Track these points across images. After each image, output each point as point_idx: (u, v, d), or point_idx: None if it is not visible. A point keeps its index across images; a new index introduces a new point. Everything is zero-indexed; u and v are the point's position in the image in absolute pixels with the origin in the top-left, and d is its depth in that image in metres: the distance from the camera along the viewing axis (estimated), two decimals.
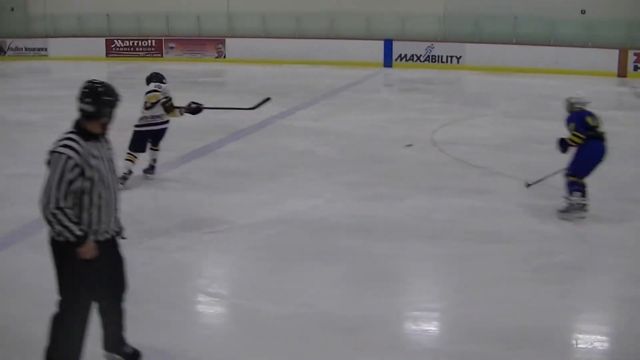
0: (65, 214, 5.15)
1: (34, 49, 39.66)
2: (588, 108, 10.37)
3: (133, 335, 6.22)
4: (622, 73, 30.76)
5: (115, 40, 38.61)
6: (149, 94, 11.83)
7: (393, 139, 16.01)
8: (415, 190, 11.64)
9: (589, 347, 6.57)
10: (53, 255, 5.38)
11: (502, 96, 24.52)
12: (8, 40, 39.96)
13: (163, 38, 38.22)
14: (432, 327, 7.13)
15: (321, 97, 23.51)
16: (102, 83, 5.53)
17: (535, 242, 9.29)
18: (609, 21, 31.62)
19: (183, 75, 30.18)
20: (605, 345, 6.76)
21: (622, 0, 31.61)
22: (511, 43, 32.72)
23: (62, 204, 5.14)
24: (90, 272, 5.36)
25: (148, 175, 12.26)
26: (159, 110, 11.89)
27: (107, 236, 5.55)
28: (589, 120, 10.12)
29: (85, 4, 39.30)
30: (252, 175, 12.53)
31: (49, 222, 5.19)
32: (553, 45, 32.08)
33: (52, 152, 5.23)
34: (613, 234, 9.68)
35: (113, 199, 5.52)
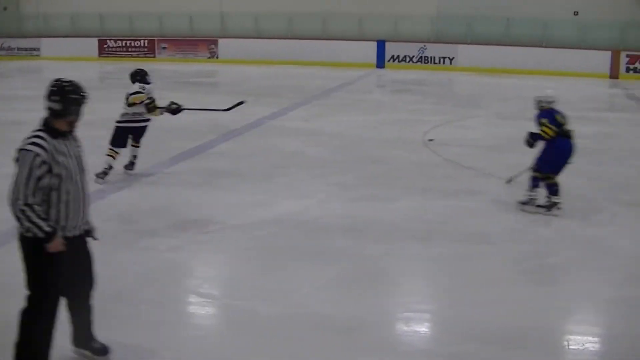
0: (34, 211, 5.23)
1: (26, 49, 39.57)
2: (555, 106, 10.64)
3: (125, 336, 6.24)
4: (614, 74, 30.89)
5: (107, 41, 38.56)
6: (133, 95, 11.94)
7: (385, 140, 16.03)
8: (408, 191, 11.65)
9: (581, 348, 6.58)
10: (22, 251, 5.46)
11: (495, 97, 24.57)
12: (0, 40, 39.86)
13: (156, 38, 38.20)
14: (424, 328, 7.13)
15: (313, 97, 23.51)
16: (69, 82, 5.61)
17: (527, 243, 9.31)
18: (601, 23, 31.72)
19: (175, 76, 30.21)
20: (597, 346, 6.77)
21: (615, 2, 31.75)
22: (504, 44, 32.79)
23: (30, 201, 5.22)
24: (58, 268, 5.44)
25: (128, 171, 12.45)
26: (140, 107, 12.04)
27: (76, 233, 5.61)
28: (558, 117, 10.43)
29: (78, 4, 39.23)
30: (244, 176, 12.52)
31: (18, 219, 5.28)
32: (545, 47, 32.14)
33: (20, 149, 5.31)
34: (605, 235, 9.70)
35: (81, 196, 5.57)
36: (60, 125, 5.44)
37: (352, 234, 9.46)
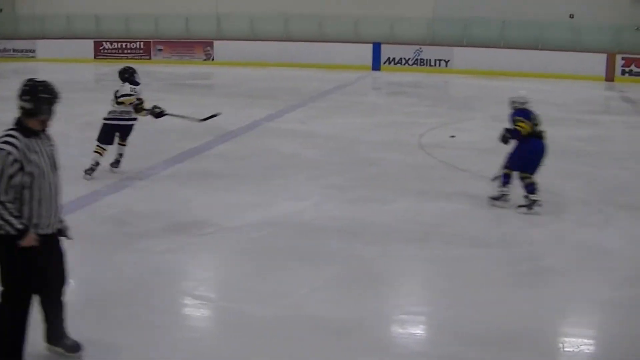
0: (6, 208, 5.31)
1: (22, 51, 39.53)
2: (528, 107, 10.92)
3: (120, 338, 6.24)
4: (609, 77, 30.95)
5: (103, 42, 38.54)
6: (123, 97, 12.11)
7: (381, 142, 16.03)
8: (403, 193, 11.65)
9: (576, 350, 6.59)
10: None
11: (490, 100, 24.57)
12: None
13: (151, 40, 38.18)
14: (419, 330, 7.13)
15: (309, 100, 23.52)
16: (41, 82, 5.73)
17: (522, 245, 9.33)
18: (597, 26, 31.79)
19: (171, 78, 30.23)
20: (591, 348, 6.78)
21: (610, 5, 31.81)
22: (499, 47, 32.84)
23: (2, 198, 5.31)
24: (31, 265, 5.51)
25: (113, 168, 12.60)
26: (128, 107, 12.22)
27: (49, 231, 5.67)
28: (531, 117, 10.71)
29: (73, 6, 39.20)
30: (240, 178, 12.53)
31: None
32: (541, 50, 32.18)
33: None
34: (600, 237, 9.72)
35: (54, 194, 5.66)
36: (33, 124, 5.54)
37: (348, 235, 9.47)
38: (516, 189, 10.83)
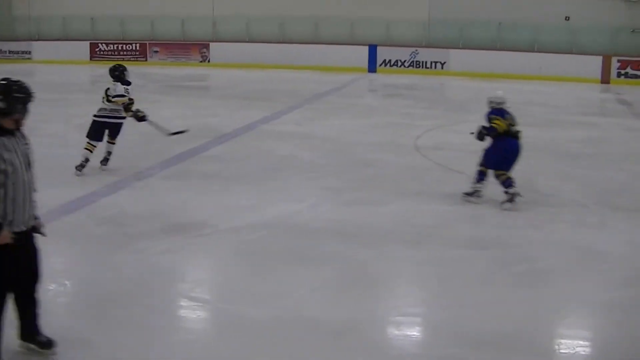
0: None
1: (18, 52, 39.47)
2: (505, 107, 11.27)
3: (115, 339, 6.24)
4: (605, 79, 30.95)
5: (99, 44, 38.48)
6: (116, 98, 12.35)
7: (377, 144, 16.04)
8: (399, 195, 11.66)
9: (571, 351, 6.61)
10: None
11: (486, 102, 24.53)
12: None
13: (147, 42, 38.12)
14: (415, 332, 7.14)
15: (305, 101, 23.51)
16: (16, 81, 5.85)
17: (518, 247, 9.33)
18: (592, 28, 31.80)
19: (167, 80, 30.23)
20: (588, 349, 6.80)
21: (606, 7, 31.81)
22: (495, 49, 32.81)
23: None
24: (5, 261, 5.57)
25: (102, 166, 12.84)
26: (118, 105, 12.46)
27: (23, 228, 5.72)
28: (507, 117, 11.04)
29: (69, 7, 39.13)
30: (236, 179, 12.53)
31: None
32: (537, 52, 32.21)
33: None
34: (595, 239, 9.72)
35: (28, 192, 5.71)
36: (7, 123, 5.60)
37: (344, 237, 9.47)
38: (494, 186, 10.92)
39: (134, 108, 12.40)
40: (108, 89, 12.49)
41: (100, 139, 12.58)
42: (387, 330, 7.11)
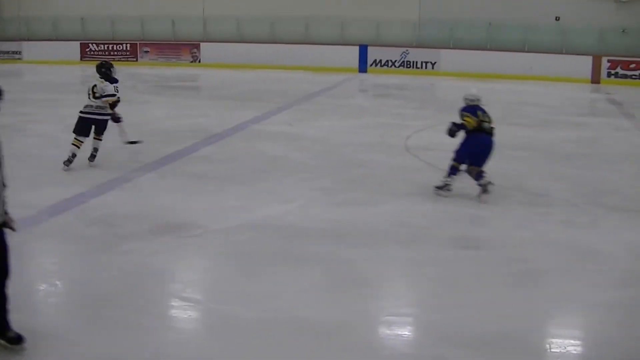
0: None
1: (7, 52, 39.40)
2: (479, 104, 11.54)
3: (106, 340, 6.21)
4: (595, 79, 31.05)
5: (89, 44, 38.45)
6: (108, 97, 12.64)
7: (367, 144, 16.03)
8: (389, 195, 11.65)
9: (563, 351, 6.60)
10: None
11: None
12: None
13: (138, 42, 38.10)
14: (406, 332, 7.13)
15: (295, 102, 23.50)
16: None
17: (509, 247, 9.32)
18: (582, 28, 31.89)
19: (157, 80, 30.20)
20: (579, 349, 6.80)
21: (596, 7, 31.90)
22: (486, 49, 32.88)
23: None
24: None
25: (90, 162, 13.03)
26: (105, 102, 12.69)
27: None
28: (479, 113, 11.25)
29: (60, 7, 39.10)
30: (226, 180, 12.51)
31: None
32: (527, 52, 32.27)
33: None
34: (586, 239, 9.73)
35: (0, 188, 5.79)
36: None
37: (335, 238, 9.45)
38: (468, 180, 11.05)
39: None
40: (95, 85, 12.68)
41: (87, 135, 12.78)
42: (378, 330, 7.10)
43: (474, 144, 11.20)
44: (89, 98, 12.67)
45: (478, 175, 11.20)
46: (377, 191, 11.88)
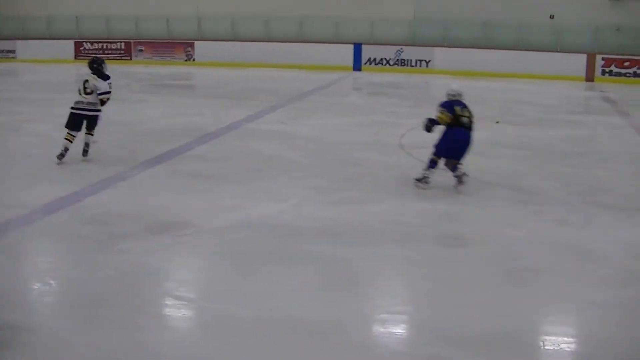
0: None
1: (2, 51, 39.32)
2: (460, 99, 11.91)
3: (100, 339, 6.21)
4: (589, 77, 31.15)
5: (84, 43, 38.42)
6: (103, 94, 12.84)
7: (362, 142, 16.03)
8: (384, 194, 11.65)
9: (556, 349, 6.61)
10: None
11: (471, 100, 24.52)
12: None
13: (132, 41, 38.09)
14: (401, 330, 7.13)
15: (290, 100, 23.49)
16: None
17: (503, 246, 9.32)
18: (577, 26, 31.98)
19: (152, 78, 30.18)
20: (573, 347, 6.80)
21: (590, 5, 31.97)
22: (480, 47, 32.92)
23: None
24: None
25: (83, 157, 13.26)
26: (95, 98, 12.87)
27: None
28: (456, 108, 11.62)
29: (54, 6, 39.08)
30: (219, 179, 12.50)
31: None
32: (522, 50, 32.29)
33: None
34: (580, 238, 9.74)
35: None
36: None
37: (329, 236, 9.45)
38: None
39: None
40: (86, 81, 12.82)
41: (78, 129, 13.01)
42: (372, 329, 7.09)
43: (453, 138, 11.53)
44: (80, 94, 12.83)
45: (454, 167, 11.61)
46: (372, 190, 11.88)
